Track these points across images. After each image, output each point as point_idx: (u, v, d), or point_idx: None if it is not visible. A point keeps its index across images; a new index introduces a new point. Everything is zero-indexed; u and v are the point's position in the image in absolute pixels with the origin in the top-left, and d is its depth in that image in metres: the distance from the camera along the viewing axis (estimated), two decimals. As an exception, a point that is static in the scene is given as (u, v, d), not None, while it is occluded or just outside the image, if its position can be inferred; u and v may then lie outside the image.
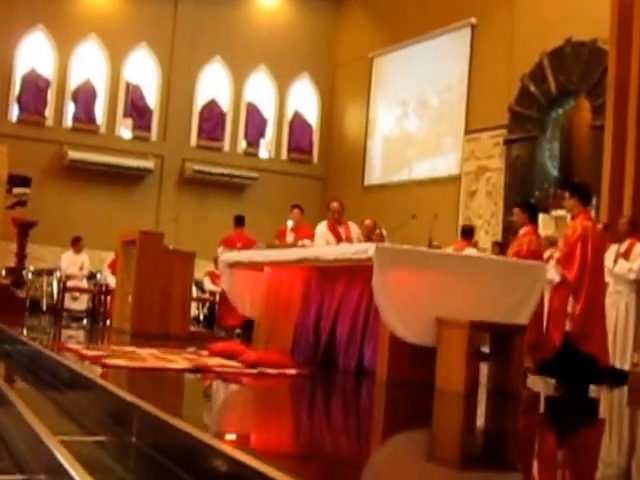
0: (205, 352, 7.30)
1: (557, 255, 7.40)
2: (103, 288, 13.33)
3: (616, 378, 7.64)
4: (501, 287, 5.90)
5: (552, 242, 9.68)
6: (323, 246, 8.94)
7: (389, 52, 17.76)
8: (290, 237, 10.81)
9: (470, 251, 11.09)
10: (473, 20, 15.61)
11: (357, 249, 6.10)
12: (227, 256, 8.39)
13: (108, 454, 3.73)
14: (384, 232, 11.44)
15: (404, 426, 4.49)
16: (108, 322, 12.50)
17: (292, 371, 6.09)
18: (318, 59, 19.17)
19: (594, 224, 7.40)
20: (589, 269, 6.87)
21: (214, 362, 6.36)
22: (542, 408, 5.89)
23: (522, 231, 8.11)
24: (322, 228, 10.11)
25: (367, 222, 11.21)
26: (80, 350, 6.74)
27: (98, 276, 14.37)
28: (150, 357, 6.53)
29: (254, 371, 5.96)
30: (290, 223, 10.93)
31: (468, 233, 11.83)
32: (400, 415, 4.89)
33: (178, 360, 6.41)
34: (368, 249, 5.72)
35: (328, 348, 7.02)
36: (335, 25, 19.39)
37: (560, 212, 12.98)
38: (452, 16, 15.91)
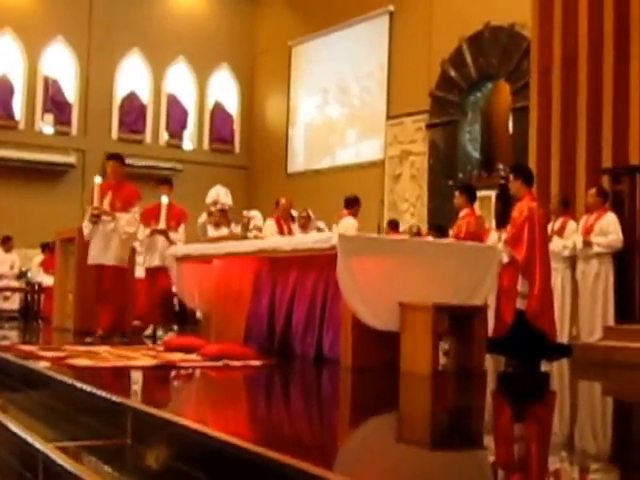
0: (160, 347, 7.34)
1: (504, 236, 7.65)
2: (35, 287, 13.15)
3: (556, 351, 7.93)
4: (458, 269, 6.10)
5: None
6: (280, 237, 9.05)
7: (308, 40, 17.89)
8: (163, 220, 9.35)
9: (349, 220, 10.90)
10: (391, 7, 15.84)
11: (318, 238, 6.22)
12: (175, 249, 8.37)
13: (107, 458, 3.73)
14: (311, 214, 11.50)
15: (379, 410, 4.61)
16: (41, 321, 12.36)
17: (256, 362, 6.17)
18: (237, 49, 19.20)
19: (539, 205, 7.68)
20: (538, 248, 7.15)
21: (177, 357, 6.40)
22: (506, 385, 6.11)
23: (462, 213, 8.40)
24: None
25: (282, 201, 11.08)
26: (36, 352, 6.71)
27: (29, 275, 14.15)
28: (110, 355, 6.52)
29: (219, 364, 6.03)
30: (165, 199, 9.43)
31: (352, 202, 11.21)
32: (372, 399, 4.99)
33: (140, 357, 6.43)
34: (331, 238, 5.84)
35: (284, 337, 7.11)
36: (253, 15, 19.42)
37: (484, 193, 13.35)
38: (370, 4, 16.13)
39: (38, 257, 14.15)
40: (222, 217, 9.66)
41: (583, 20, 10.43)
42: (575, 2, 10.56)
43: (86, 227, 8.98)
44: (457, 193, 8.56)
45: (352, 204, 11.02)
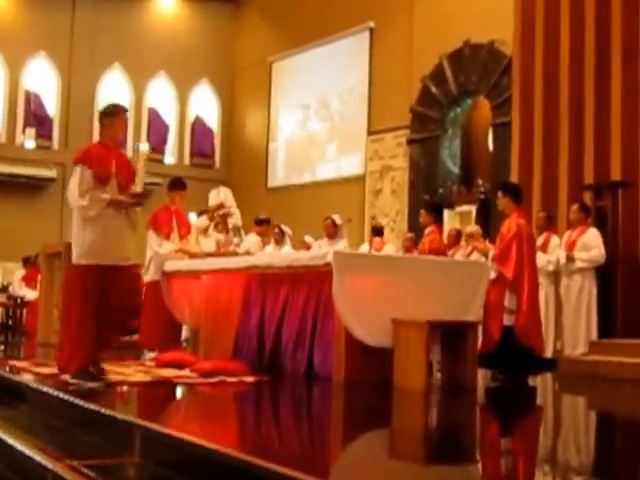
0: (151, 363, 7.37)
1: (491, 252, 7.75)
2: (18, 301, 13.10)
3: (541, 365, 8.03)
4: (450, 286, 6.19)
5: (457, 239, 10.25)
6: (273, 253, 9.07)
7: (288, 56, 17.99)
8: None
9: (390, 247, 11.56)
10: (371, 24, 15.97)
11: (314, 255, 6.28)
12: (166, 265, 8.34)
13: (116, 476, 3.75)
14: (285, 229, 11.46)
15: (373, 425, 4.68)
16: (23, 336, 12.31)
17: (250, 379, 6.22)
18: (217, 64, 19.32)
19: (527, 221, 7.80)
20: (526, 265, 7.25)
21: (170, 373, 6.44)
22: (496, 401, 6.19)
23: (427, 231, 8.68)
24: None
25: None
26: (31, 368, 6.72)
27: (10, 289, 14.08)
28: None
29: (214, 380, 6.07)
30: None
31: (380, 231, 12.19)
32: (368, 415, 5.06)
33: (134, 373, 6.47)
34: (327, 255, 5.91)
35: (273, 353, 7.14)
36: (233, 30, 19.54)
37: (464, 208, 13.52)
38: (350, 20, 16.24)
39: (20, 271, 14.08)
40: (223, 223, 8.69)
41: (565, 36, 10.58)
42: (557, 19, 10.72)
43: (98, 205, 6.03)
44: (422, 212, 8.97)
45: (382, 232, 12.18)
